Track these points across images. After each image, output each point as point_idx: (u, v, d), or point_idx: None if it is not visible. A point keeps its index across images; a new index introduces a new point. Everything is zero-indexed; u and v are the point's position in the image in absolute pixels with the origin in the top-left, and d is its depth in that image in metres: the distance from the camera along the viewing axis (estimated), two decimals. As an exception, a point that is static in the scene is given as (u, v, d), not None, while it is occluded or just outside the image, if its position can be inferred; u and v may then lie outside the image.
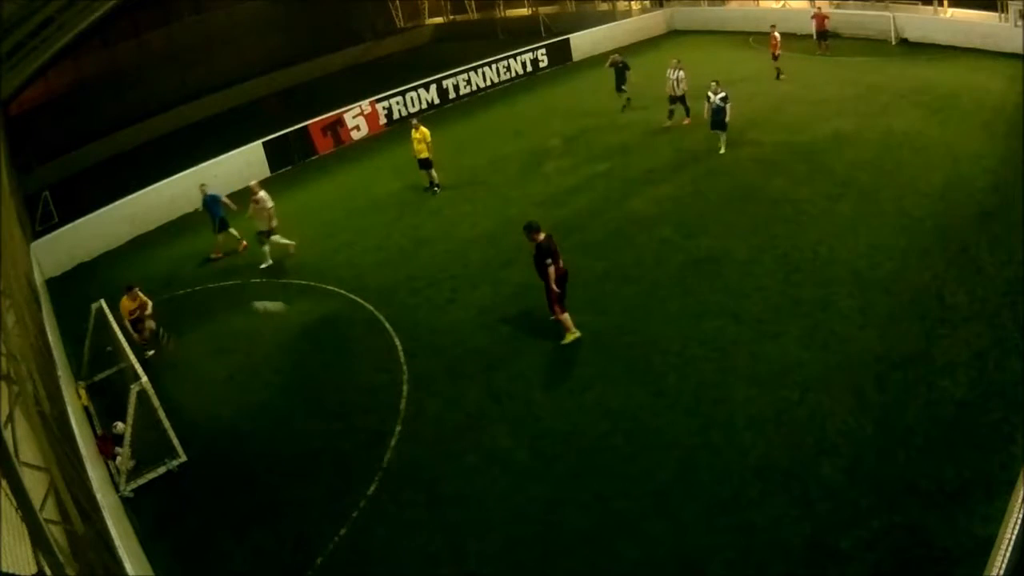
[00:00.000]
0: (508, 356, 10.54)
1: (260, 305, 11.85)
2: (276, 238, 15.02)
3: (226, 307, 13.84)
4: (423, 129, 17.32)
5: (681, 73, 18.36)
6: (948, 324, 9.38)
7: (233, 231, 16.12)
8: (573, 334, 10.46)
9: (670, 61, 18.87)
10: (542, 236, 10.06)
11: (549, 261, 9.99)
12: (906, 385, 8.46)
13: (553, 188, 16.20)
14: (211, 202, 15.99)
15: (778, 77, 21.47)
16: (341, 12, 38.81)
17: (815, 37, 23.67)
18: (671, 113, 18.85)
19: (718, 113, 16.27)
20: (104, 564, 6.28)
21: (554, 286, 10.09)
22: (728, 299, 10.83)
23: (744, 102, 19.76)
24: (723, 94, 16.07)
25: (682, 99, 18.60)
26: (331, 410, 10.27)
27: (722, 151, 16.35)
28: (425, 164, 17.43)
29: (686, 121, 18.80)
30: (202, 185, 16.62)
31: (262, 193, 14.78)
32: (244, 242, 16.14)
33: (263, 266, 14.99)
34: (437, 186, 17.41)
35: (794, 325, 9.93)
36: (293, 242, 15.30)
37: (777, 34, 21.41)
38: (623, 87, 21.07)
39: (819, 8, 23.95)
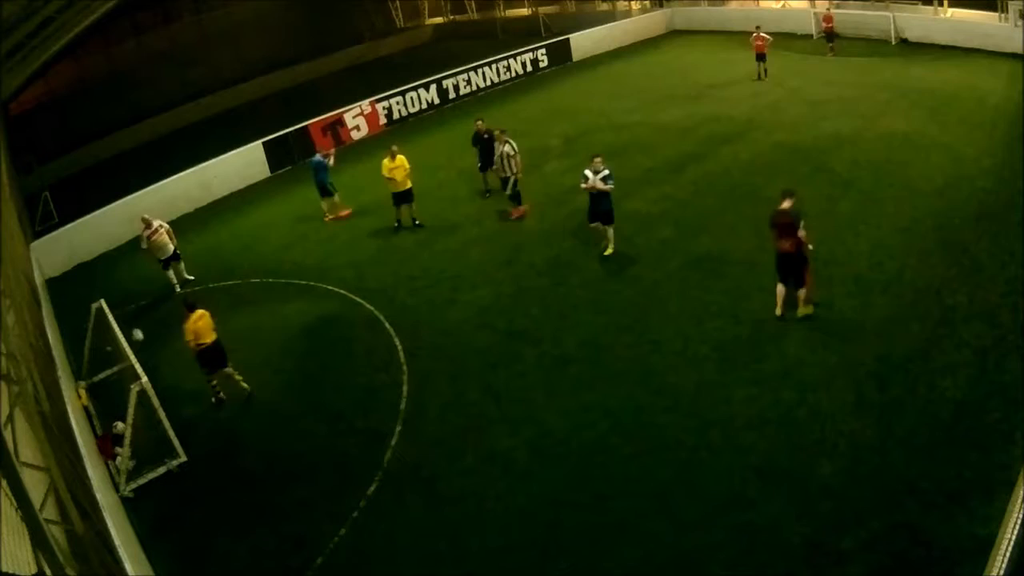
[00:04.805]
0: (508, 356, 10.54)
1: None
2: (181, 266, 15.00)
3: (226, 307, 13.81)
4: (401, 157, 14.86)
5: (508, 148, 14.21)
6: (948, 324, 9.38)
7: (336, 198, 16.76)
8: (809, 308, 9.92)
9: (498, 135, 14.58)
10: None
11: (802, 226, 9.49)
12: (906, 385, 8.47)
13: (553, 188, 16.18)
14: (318, 167, 16.33)
15: (760, 78, 21.53)
16: (341, 12, 38.76)
17: (825, 39, 23.64)
18: (516, 198, 14.69)
19: (600, 202, 12.15)
20: (104, 564, 6.28)
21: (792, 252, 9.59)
22: (728, 299, 10.83)
23: (744, 102, 19.81)
24: (605, 172, 11.92)
25: (507, 182, 14.49)
26: (331, 410, 10.27)
27: (609, 251, 12.52)
28: (405, 197, 15.07)
29: (517, 213, 14.67)
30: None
31: (157, 222, 14.56)
32: (348, 210, 16.94)
33: (183, 284, 14.85)
34: (419, 223, 15.27)
35: (794, 325, 9.93)
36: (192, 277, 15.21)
37: (764, 34, 21.44)
38: (492, 166, 15.39)
39: (828, 9, 23.97)
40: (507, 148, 14.13)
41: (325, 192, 16.52)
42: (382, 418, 9.77)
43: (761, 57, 21.49)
